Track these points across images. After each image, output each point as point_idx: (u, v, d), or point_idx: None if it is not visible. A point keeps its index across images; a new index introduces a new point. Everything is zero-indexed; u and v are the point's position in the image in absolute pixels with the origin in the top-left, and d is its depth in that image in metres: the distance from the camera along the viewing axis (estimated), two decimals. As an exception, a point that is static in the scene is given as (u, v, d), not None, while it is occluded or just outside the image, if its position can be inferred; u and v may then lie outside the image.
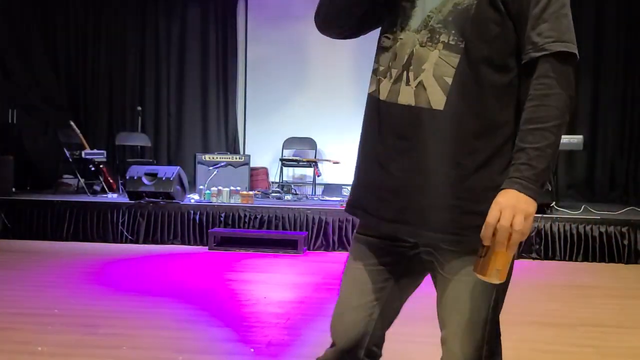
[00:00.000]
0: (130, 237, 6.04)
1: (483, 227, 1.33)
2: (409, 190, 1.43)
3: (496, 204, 1.33)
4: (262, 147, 8.22)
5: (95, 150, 7.30)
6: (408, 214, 1.43)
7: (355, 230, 1.62)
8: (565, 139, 6.55)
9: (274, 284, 4.47)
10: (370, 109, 1.53)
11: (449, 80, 1.39)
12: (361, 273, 1.55)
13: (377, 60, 1.53)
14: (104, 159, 7.29)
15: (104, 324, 3.34)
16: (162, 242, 6.01)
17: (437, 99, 1.40)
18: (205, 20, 8.41)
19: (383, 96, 1.48)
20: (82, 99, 8.46)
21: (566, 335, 3.36)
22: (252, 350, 3.00)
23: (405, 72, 1.44)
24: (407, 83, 1.44)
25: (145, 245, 5.96)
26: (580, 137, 6.57)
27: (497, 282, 1.32)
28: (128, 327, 3.31)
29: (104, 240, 6.05)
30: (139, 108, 7.94)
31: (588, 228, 5.58)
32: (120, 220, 6.06)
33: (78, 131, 7.24)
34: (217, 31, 8.40)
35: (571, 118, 6.51)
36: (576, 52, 1.37)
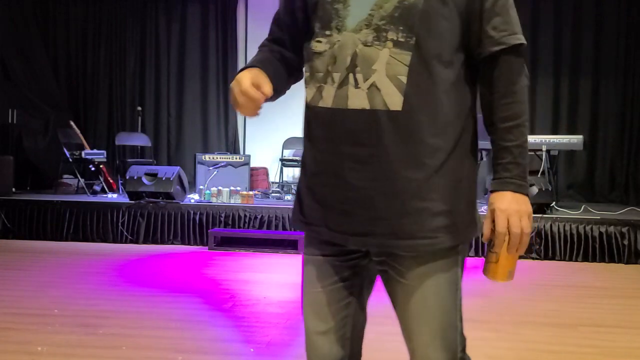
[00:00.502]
0: (130, 237, 6.04)
1: (495, 236, 1.36)
2: (375, 200, 1.36)
3: (501, 212, 1.35)
4: (262, 147, 8.22)
5: (95, 150, 7.31)
6: (378, 225, 1.37)
7: (303, 252, 1.52)
8: (565, 139, 6.57)
9: (274, 284, 4.47)
10: (312, 119, 1.44)
11: (404, 79, 1.33)
12: (322, 295, 1.48)
13: (310, 67, 1.44)
14: (104, 159, 7.29)
15: (104, 324, 3.34)
16: (162, 242, 6.01)
17: (394, 100, 1.33)
18: (205, 20, 8.41)
19: (328, 103, 1.39)
20: (82, 99, 8.47)
21: (566, 336, 3.36)
22: (252, 350, 3.00)
23: (351, 75, 1.36)
24: (356, 86, 1.35)
25: (145, 245, 5.96)
26: (581, 137, 6.56)
27: (508, 281, 1.39)
28: (128, 327, 3.31)
29: (104, 240, 6.05)
30: (139, 108, 7.95)
31: (588, 228, 5.58)
32: (120, 220, 6.06)
33: (78, 131, 7.25)
34: (217, 31, 8.41)
35: (571, 118, 6.46)
36: (525, 42, 1.39)
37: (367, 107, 1.34)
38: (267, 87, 1.40)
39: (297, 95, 6.65)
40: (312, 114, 1.44)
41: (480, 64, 1.39)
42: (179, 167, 6.55)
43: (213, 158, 7.29)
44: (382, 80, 1.34)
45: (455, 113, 1.37)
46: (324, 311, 1.48)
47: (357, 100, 1.35)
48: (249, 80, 1.39)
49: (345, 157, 1.37)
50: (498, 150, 1.38)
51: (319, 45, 1.41)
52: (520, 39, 1.37)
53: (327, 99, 1.39)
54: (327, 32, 1.40)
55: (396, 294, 1.44)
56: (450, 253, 1.40)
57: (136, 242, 6.03)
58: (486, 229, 1.38)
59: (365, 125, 1.35)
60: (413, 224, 1.35)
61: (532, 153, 6.62)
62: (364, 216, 1.37)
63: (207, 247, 5.86)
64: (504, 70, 1.37)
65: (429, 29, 1.33)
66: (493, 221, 1.37)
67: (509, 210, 1.34)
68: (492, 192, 1.39)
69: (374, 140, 1.35)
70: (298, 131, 8.04)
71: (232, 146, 8.40)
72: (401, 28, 1.33)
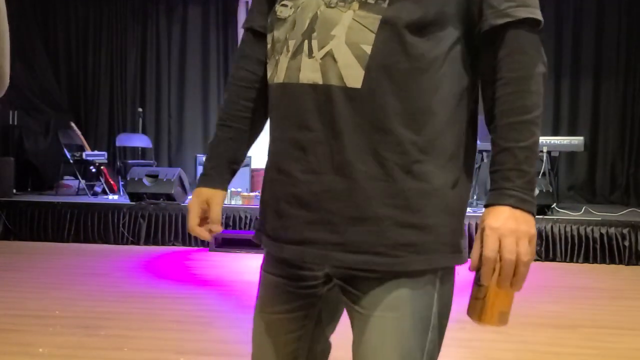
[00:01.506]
0: (131, 238, 6.04)
1: (482, 262, 1.02)
2: (318, 199, 1.08)
3: (492, 231, 1.02)
4: (263, 149, 8.17)
5: (96, 152, 7.32)
6: (318, 231, 1.09)
7: (261, 265, 1.27)
8: (566, 140, 6.57)
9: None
10: (270, 100, 1.18)
11: (367, 49, 1.05)
12: (270, 323, 1.23)
13: (272, 38, 1.17)
14: (105, 160, 7.30)
15: (105, 326, 3.34)
16: (163, 244, 6.01)
17: (353, 74, 1.05)
18: (206, 21, 8.42)
19: (280, 78, 1.12)
20: (83, 100, 8.47)
21: (566, 337, 3.36)
22: (253, 351, 3.00)
23: (306, 42, 1.09)
24: (310, 55, 1.08)
25: (146, 247, 5.96)
26: (581, 138, 6.57)
27: (500, 326, 1.05)
28: (129, 329, 3.31)
29: (105, 241, 6.05)
30: (140, 109, 7.94)
31: (589, 229, 5.58)
32: (121, 222, 6.06)
33: (79, 132, 7.25)
34: (218, 32, 8.41)
35: (572, 119, 6.45)
36: (541, 18, 1.08)
37: (320, 81, 1.07)
38: (216, 227, 1.25)
39: (298, 97, 6.46)
40: (269, 94, 1.18)
41: (481, 44, 1.10)
42: (179, 169, 6.55)
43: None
44: (340, 48, 1.06)
45: (444, 102, 1.08)
46: (271, 342, 1.23)
47: (309, 72, 1.08)
48: (195, 219, 1.25)
49: (289, 145, 1.12)
50: (498, 153, 1.06)
51: (284, 10, 1.15)
52: (535, 13, 1.07)
53: (280, 73, 1.12)
54: None
55: (353, 327, 1.15)
56: (424, 280, 1.08)
57: (137, 243, 6.03)
58: (474, 254, 1.04)
59: (314, 104, 1.08)
60: (367, 233, 1.06)
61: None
62: (304, 219, 1.10)
63: (208, 249, 5.86)
64: (512, 50, 1.06)
65: None
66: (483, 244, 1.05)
67: (503, 229, 1.01)
68: (486, 206, 1.07)
69: (322, 124, 1.08)
70: (299, 132, 8.11)
71: (233, 147, 8.39)
72: None
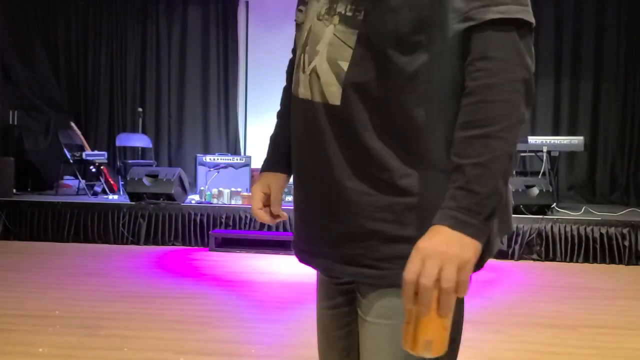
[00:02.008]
0: (131, 238, 6.05)
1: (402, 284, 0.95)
2: (321, 212, 1.11)
3: (417, 251, 0.94)
4: (263, 148, 8.18)
5: (96, 152, 7.32)
6: (322, 243, 1.12)
7: None
8: (566, 140, 6.57)
9: (275, 285, 4.47)
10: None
11: (345, 66, 1.03)
12: (323, 318, 1.26)
13: (294, 43, 1.19)
14: (105, 160, 7.30)
15: (105, 325, 3.34)
16: (163, 243, 6.01)
17: (333, 91, 1.05)
18: (206, 21, 8.42)
19: (294, 90, 1.14)
20: (83, 100, 8.47)
21: (566, 337, 3.36)
22: (252, 351, 3.00)
23: (302, 56, 1.10)
24: (304, 70, 1.09)
25: (146, 247, 5.96)
26: (581, 138, 6.57)
27: (430, 357, 0.95)
28: (129, 329, 3.31)
29: (105, 241, 6.05)
30: (140, 109, 7.94)
31: (589, 229, 5.58)
32: (121, 222, 6.06)
33: (79, 132, 7.25)
34: (218, 32, 8.41)
35: (572, 119, 6.41)
36: (523, 16, 0.97)
37: (309, 97, 1.08)
38: (276, 208, 1.29)
39: (298, 97, 6.45)
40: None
41: (454, 52, 1.02)
42: (179, 168, 6.56)
43: (214, 159, 7.29)
44: (322, 65, 1.06)
45: (427, 116, 1.03)
46: (326, 335, 1.26)
47: (302, 87, 1.10)
48: (258, 203, 1.29)
49: (298, 157, 1.15)
50: (452, 171, 0.98)
51: (299, 15, 1.15)
52: (506, 12, 0.96)
53: (294, 85, 1.15)
54: (312, 9, 1.11)
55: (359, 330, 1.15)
56: None
57: (137, 243, 6.03)
58: (405, 275, 0.96)
59: (308, 120, 1.09)
60: (358, 248, 1.07)
61: (533, 154, 6.63)
62: (308, 229, 1.15)
63: (208, 248, 5.86)
64: (474, 56, 0.97)
65: (380, 0, 1.00)
66: None
67: (428, 250, 0.93)
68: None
69: (313, 139, 1.09)
70: (299, 132, 8.12)
71: (233, 147, 8.41)
72: None
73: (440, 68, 1.02)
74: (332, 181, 1.08)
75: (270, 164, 1.32)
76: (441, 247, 0.93)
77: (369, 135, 1.04)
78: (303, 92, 1.10)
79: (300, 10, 1.15)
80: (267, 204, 1.30)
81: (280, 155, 1.31)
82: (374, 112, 1.04)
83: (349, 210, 1.07)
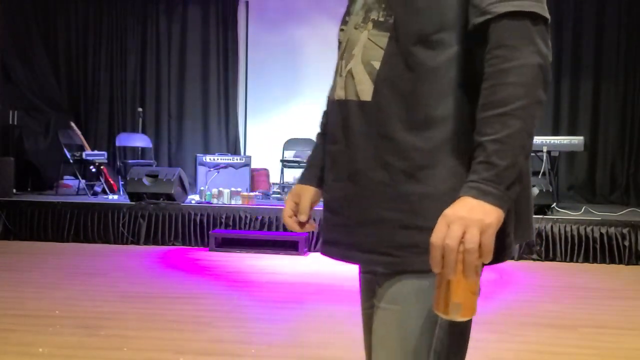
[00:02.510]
0: (131, 238, 6.05)
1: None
2: (339, 204, 1.21)
3: (442, 218, 1.02)
4: (263, 148, 8.23)
5: (96, 152, 7.32)
6: (340, 232, 1.21)
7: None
8: (566, 139, 6.57)
9: (275, 285, 4.47)
10: None
11: (377, 65, 1.15)
12: (367, 319, 1.32)
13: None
14: (105, 160, 7.30)
15: (105, 325, 3.34)
16: (163, 243, 6.02)
17: (365, 89, 1.16)
18: (206, 21, 8.42)
19: (331, 95, 1.27)
20: (83, 100, 8.48)
21: (566, 337, 3.36)
22: (252, 351, 3.00)
23: (341, 62, 1.23)
24: (340, 74, 1.22)
25: (146, 247, 5.96)
26: (581, 138, 6.57)
27: (460, 319, 1.02)
28: (129, 329, 3.31)
29: (105, 241, 6.05)
30: (140, 109, 7.95)
31: (589, 229, 5.58)
32: (121, 222, 6.06)
33: (79, 132, 7.25)
34: (218, 32, 8.41)
35: (572, 119, 6.43)
36: (537, 10, 1.05)
37: (343, 97, 1.20)
38: (302, 217, 1.36)
39: (298, 97, 6.68)
40: None
41: (475, 45, 1.11)
42: (179, 168, 6.55)
43: (214, 159, 7.29)
44: (357, 66, 1.18)
45: (449, 109, 1.12)
46: (367, 335, 1.31)
47: (339, 89, 1.22)
48: (289, 211, 1.38)
49: (328, 156, 1.26)
50: (474, 149, 1.06)
51: (341, 34, 1.28)
52: (521, 5, 1.05)
53: (332, 91, 1.28)
54: (347, 19, 1.26)
55: None
56: (430, 278, 1.09)
57: (137, 243, 6.03)
58: (432, 239, 1.05)
59: (340, 119, 1.21)
60: (373, 235, 1.15)
61: (533, 154, 6.62)
62: (332, 221, 1.23)
63: (208, 248, 5.86)
64: (491, 46, 1.06)
65: (405, 3, 1.12)
66: None
67: (452, 216, 1.01)
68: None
69: (344, 136, 1.20)
70: (298, 132, 8.10)
71: (233, 147, 8.41)
72: (383, 6, 1.15)
73: (462, 61, 1.12)
74: (356, 172, 1.17)
75: (303, 179, 1.41)
76: (464, 213, 1.00)
77: (395, 127, 1.13)
78: (339, 93, 1.22)
79: (342, 30, 1.27)
80: (297, 213, 1.38)
81: (314, 173, 1.39)
82: (400, 105, 1.13)
83: (367, 199, 1.16)
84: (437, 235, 1.01)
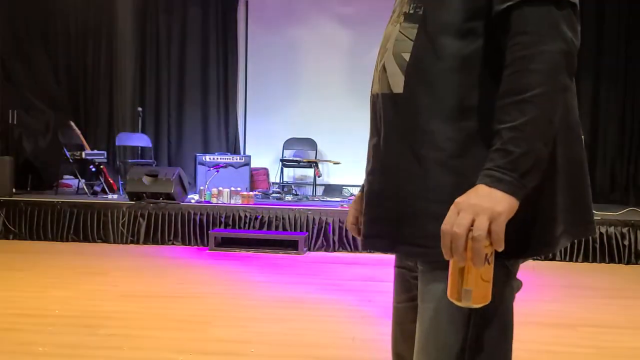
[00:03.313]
0: (130, 237, 6.05)
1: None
2: (376, 197, 1.21)
3: (454, 205, 1.03)
4: (263, 148, 8.23)
5: (95, 151, 7.32)
6: (379, 225, 1.20)
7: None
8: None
9: (274, 284, 4.48)
10: None
11: (407, 57, 1.15)
12: (398, 312, 1.32)
13: None
14: (105, 160, 7.30)
15: (105, 325, 3.34)
16: (163, 243, 6.02)
17: (397, 81, 1.16)
18: (205, 21, 8.42)
19: (371, 91, 1.28)
20: (83, 99, 8.47)
21: (566, 336, 3.37)
22: (252, 350, 3.01)
23: (378, 57, 1.25)
24: (377, 68, 1.23)
25: (146, 246, 5.96)
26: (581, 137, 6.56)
27: (473, 306, 1.01)
28: (129, 328, 3.32)
29: (105, 240, 6.06)
30: (140, 108, 7.95)
31: (588, 229, 5.57)
32: (121, 221, 6.06)
33: (78, 132, 7.25)
34: (218, 32, 8.41)
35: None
36: None
37: (378, 90, 1.21)
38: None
39: (298, 96, 6.68)
40: None
41: (499, 33, 1.10)
42: (179, 168, 6.56)
43: (213, 158, 7.29)
44: (389, 59, 1.19)
45: (480, 98, 1.11)
46: (398, 329, 1.32)
47: (375, 84, 1.24)
48: (351, 218, 1.40)
49: (369, 151, 1.26)
50: (492, 137, 1.06)
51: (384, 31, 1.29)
52: None
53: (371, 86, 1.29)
54: (392, 16, 1.26)
55: None
56: None
57: (137, 242, 6.03)
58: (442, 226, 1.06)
59: (376, 112, 1.22)
60: (409, 226, 1.14)
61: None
62: (369, 214, 1.23)
63: (207, 248, 5.86)
64: (513, 32, 1.05)
65: None
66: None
67: (463, 204, 1.01)
68: None
69: (379, 129, 1.21)
70: (298, 132, 8.10)
71: (233, 147, 8.41)
72: None
73: (491, 51, 1.10)
74: (391, 165, 1.17)
75: (362, 186, 1.39)
76: (474, 200, 1.00)
77: (426, 118, 1.12)
78: (375, 88, 1.23)
79: (387, 28, 1.27)
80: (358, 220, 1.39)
81: None
82: (431, 96, 1.12)
83: (403, 192, 1.15)
84: (447, 222, 1.01)
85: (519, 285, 1.19)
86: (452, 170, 1.11)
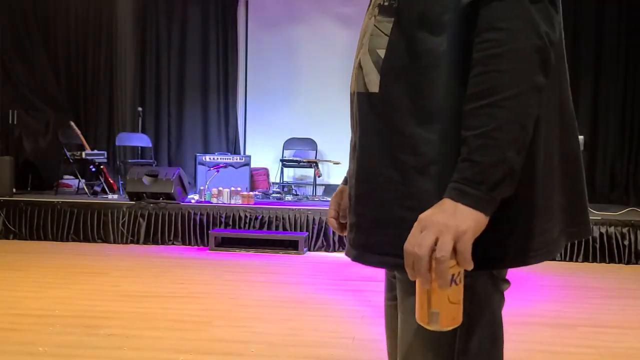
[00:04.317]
0: (130, 237, 6.05)
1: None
2: (354, 202, 1.12)
3: (417, 222, 0.95)
4: (263, 148, 8.23)
5: (95, 151, 7.32)
6: (355, 232, 1.13)
7: None
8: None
9: (274, 284, 4.48)
10: None
11: (382, 54, 1.05)
12: (386, 312, 1.28)
13: None
14: (105, 160, 7.30)
15: (105, 325, 3.34)
16: (163, 243, 6.02)
17: (372, 79, 1.07)
18: (205, 21, 8.42)
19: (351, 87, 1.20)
20: (83, 99, 8.47)
21: (566, 336, 3.37)
22: (252, 350, 3.00)
23: (356, 52, 1.15)
24: (354, 65, 1.14)
25: (146, 246, 5.96)
26: (581, 137, 6.57)
27: (442, 329, 0.94)
28: (129, 328, 3.32)
29: (105, 240, 6.06)
30: (140, 108, 7.95)
31: (588, 229, 5.58)
32: (121, 221, 6.06)
33: (78, 132, 7.25)
34: (218, 32, 8.41)
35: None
36: None
37: (355, 89, 1.12)
38: (343, 218, 1.29)
39: (298, 96, 6.69)
40: None
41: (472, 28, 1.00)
42: (179, 168, 6.56)
43: (213, 158, 7.29)
44: (365, 56, 1.09)
45: (454, 96, 1.00)
46: (388, 327, 1.27)
47: (353, 82, 1.14)
48: (332, 212, 1.30)
49: (351, 154, 1.17)
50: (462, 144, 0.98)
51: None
52: None
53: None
54: (368, 7, 1.16)
55: None
56: None
57: (137, 242, 6.03)
58: (405, 245, 0.99)
59: (353, 112, 1.14)
60: (389, 235, 1.05)
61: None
62: (351, 220, 1.15)
63: (207, 248, 5.86)
64: (480, 28, 0.95)
65: None
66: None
67: (426, 221, 0.93)
68: None
69: (355, 131, 1.12)
70: (298, 132, 8.10)
71: (233, 147, 8.41)
72: None
73: (469, 48, 0.98)
74: (370, 171, 1.08)
75: (345, 179, 1.34)
76: (438, 218, 0.92)
77: (405, 121, 1.03)
78: (352, 86, 1.13)
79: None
80: (340, 214, 1.32)
81: None
82: (408, 95, 1.03)
83: (379, 199, 1.06)
84: (410, 241, 0.93)
85: (507, 287, 1.16)
86: (431, 176, 1.01)
